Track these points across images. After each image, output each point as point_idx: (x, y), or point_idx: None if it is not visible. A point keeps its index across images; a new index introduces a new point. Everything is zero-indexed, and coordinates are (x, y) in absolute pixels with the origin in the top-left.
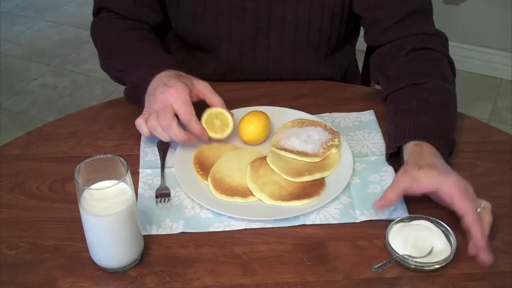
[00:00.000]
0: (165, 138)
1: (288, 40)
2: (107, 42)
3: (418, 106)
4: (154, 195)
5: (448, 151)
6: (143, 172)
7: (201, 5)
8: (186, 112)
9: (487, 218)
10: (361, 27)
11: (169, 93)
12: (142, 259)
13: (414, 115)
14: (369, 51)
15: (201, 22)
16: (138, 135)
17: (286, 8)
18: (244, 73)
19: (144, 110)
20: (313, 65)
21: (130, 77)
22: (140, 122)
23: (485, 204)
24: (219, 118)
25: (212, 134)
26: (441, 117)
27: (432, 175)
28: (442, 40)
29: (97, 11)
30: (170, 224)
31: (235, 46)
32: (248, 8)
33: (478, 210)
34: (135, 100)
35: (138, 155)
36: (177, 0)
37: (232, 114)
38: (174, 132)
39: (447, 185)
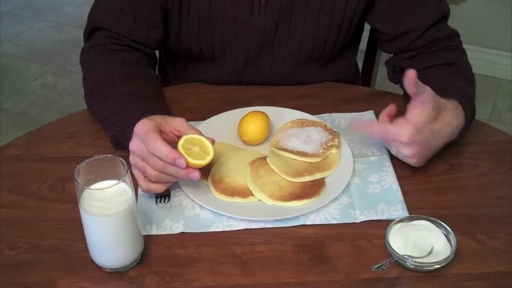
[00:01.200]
0: (174, 179)
1: (292, 53)
2: (92, 78)
3: (448, 76)
4: (154, 195)
5: (471, 114)
6: None
7: (206, 22)
8: (146, 145)
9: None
10: (364, 30)
11: (137, 138)
12: (142, 259)
13: (445, 82)
14: (369, 51)
15: (205, 38)
16: None
17: (292, 24)
18: (247, 83)
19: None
20: (315, 73)
21: (110, 129)
22: (144, 186)
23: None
24: (197, 145)
25: (191, 160)
26: (469, 86)
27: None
28: (459, 39)
29: (90, 33)
30: (170, 224)
31: (239, 59)
32: (254, 25)
33: (394, 150)
34: (122, 147)
35: None
36: (179, 17)
37: (211, 141)
38: (172, 170)
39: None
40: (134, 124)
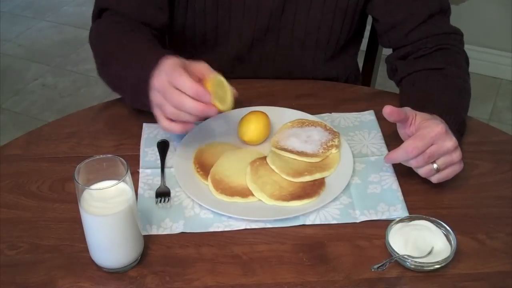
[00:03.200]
0: (191, 118)
1: (298, 39)
2: (103, 47)
3: (433, 85)
4: (154, 195)
5: (458, 130)
6: (143, 172)
7: (213, 4)
8: (170, 78)
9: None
10: (365, 30)
11: (162, 73)
12: (142, 259)
13: (429, 93)
14: (370, 51)
15: (211, 20)
16: (138, 135)
17: (298, 7)
18: (251, 68)
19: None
20: (319, 65)
21: (128, 81)
22: (165, 124)
23: (441, 166)
24: (221, 89)
25: (214, 100)
26: (455, 97)
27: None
28: (459, 37)
29: (98, 14)
30: (170, 224)
31: (244, 42)
32: (261, 6)
33: (434, 166)
34: (141, 105)
35: (138, 155)
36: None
37: (235, 93)
38: (189, 105)
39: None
40: (155, 64)
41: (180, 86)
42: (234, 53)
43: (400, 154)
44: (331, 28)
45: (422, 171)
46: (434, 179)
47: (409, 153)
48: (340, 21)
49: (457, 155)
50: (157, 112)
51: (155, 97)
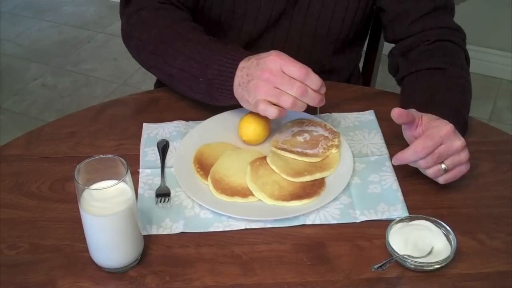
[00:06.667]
0: (302, 107)
1: (310, 25)
2: (152, 36)
3: (436, 86)
4: (154, 195)
5: (461, 131)
6: (143, 172)
7: None
8: (301, 67)
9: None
10: (369, 28)
11: (270, 62)
12: (142, 259)
13: (431, 94)
14: (370, 51)
15: (229, 2)
16: (138, 135)
17: None
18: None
19: (250, 98)
20: (327, 56)
21: (201, 76)
22: (264, 106)
23: (448, 167)
24: None
25: None
26: (458, 98)
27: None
28: (462, 36)
29: None
30: (170, 224)
31: (258, 28)
32: None
33: (443, 166)
34: (209, 99)
35: (138, 155)
36: None
37: None
38: (312, 95)
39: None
40: (237, 61)
41: (308, 76)
42: (246, 38)
43: (410, 154)
44: (343, 18)
45: (430, 172)
46: (442, 179)
47: (419, 153)
48: (353, 12)
49: (465, 155)
50: (260, 101)
51: (267, 88)
